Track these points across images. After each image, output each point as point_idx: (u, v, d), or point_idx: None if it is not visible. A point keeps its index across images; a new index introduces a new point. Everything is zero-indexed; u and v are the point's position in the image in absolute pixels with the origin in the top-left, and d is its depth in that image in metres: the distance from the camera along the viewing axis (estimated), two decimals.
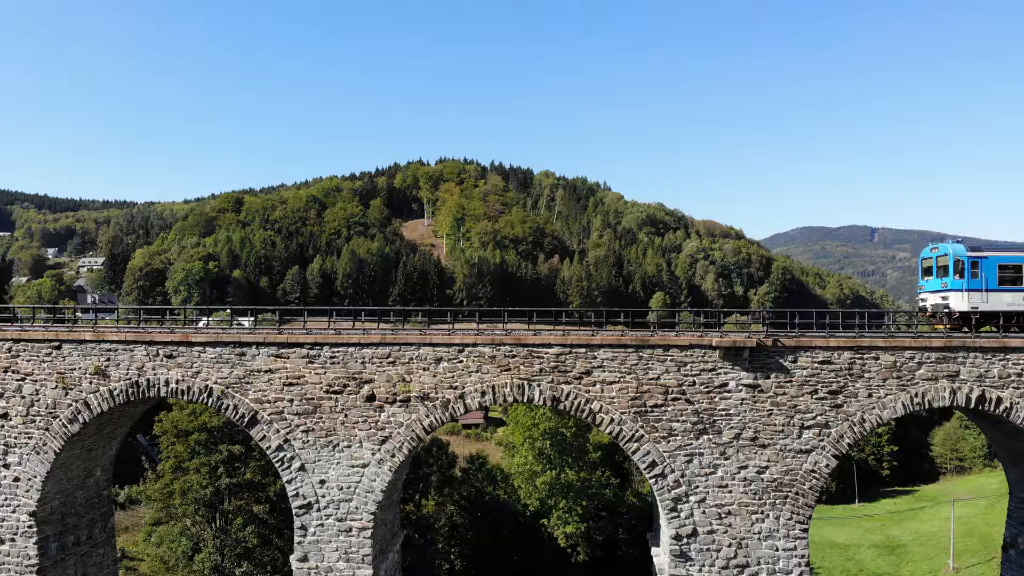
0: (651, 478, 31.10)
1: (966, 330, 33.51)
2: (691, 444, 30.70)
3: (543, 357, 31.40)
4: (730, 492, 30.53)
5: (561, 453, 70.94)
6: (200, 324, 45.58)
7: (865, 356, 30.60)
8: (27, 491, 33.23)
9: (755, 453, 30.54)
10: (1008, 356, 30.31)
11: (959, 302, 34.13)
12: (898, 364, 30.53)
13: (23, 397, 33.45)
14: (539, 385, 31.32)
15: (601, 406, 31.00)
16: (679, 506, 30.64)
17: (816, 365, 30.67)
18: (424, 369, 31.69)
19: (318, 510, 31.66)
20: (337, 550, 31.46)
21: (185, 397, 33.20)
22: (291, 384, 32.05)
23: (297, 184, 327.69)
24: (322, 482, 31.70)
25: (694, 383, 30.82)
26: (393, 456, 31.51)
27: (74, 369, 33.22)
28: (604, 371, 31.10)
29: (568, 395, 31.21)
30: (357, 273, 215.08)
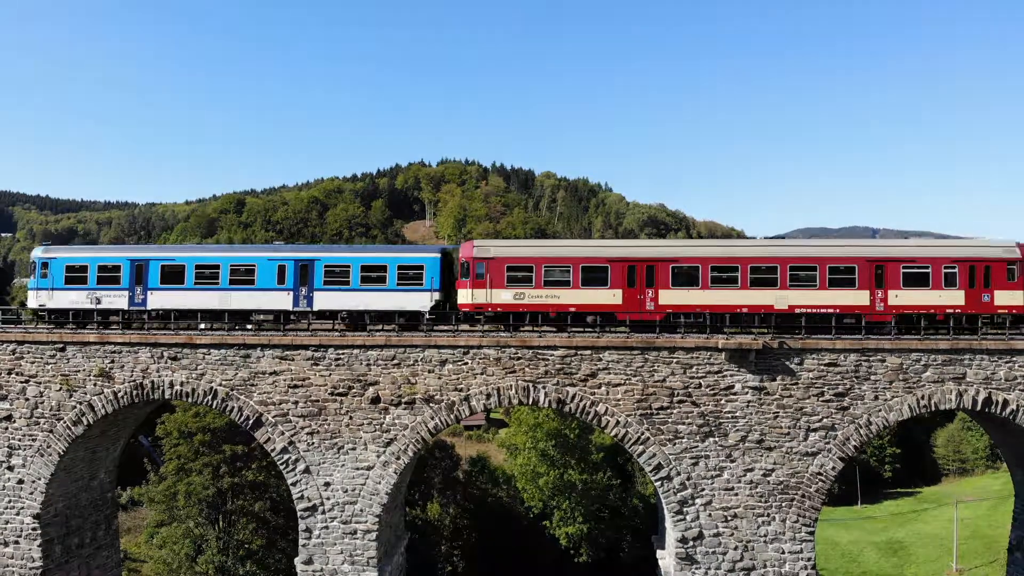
0: (657, 480, 31.02)
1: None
2: (697, 446, 30.62)
3: (548, 359, 31.34)
4: (736, 495, 30.45)
5: (564, 454, 70.88)
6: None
7: (871, 358, 30.53)
8: (31, 493, 33.19)
9: (761, 456, 30.46)
10: (1015, 358, 30.23)
11: (32, 300, 37.98)
12: (904, 366, 30.46)
13: (27, 399, 33.41)
14: (544, 387, 31.26)
15: (607, 408, 30.94)
16: (685, 509, 30.56)
17: (822, 367, 30.60)
18: (429, 371, 31.63)
19: (323, 512, 31.59)
20: (342, 553, 31.39)
21: (190, 399, 33.16)
22: (296, 386, 32.01)
23: (299, 185, 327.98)
24: (327, 484, 31.63)
25: (700, 385, 30.76)
26: (398, 458, 31.45)
27: (78, 371, 33.19)
28: (610, 373, 31.03)
29: (573, 397, 31.15)
30: None
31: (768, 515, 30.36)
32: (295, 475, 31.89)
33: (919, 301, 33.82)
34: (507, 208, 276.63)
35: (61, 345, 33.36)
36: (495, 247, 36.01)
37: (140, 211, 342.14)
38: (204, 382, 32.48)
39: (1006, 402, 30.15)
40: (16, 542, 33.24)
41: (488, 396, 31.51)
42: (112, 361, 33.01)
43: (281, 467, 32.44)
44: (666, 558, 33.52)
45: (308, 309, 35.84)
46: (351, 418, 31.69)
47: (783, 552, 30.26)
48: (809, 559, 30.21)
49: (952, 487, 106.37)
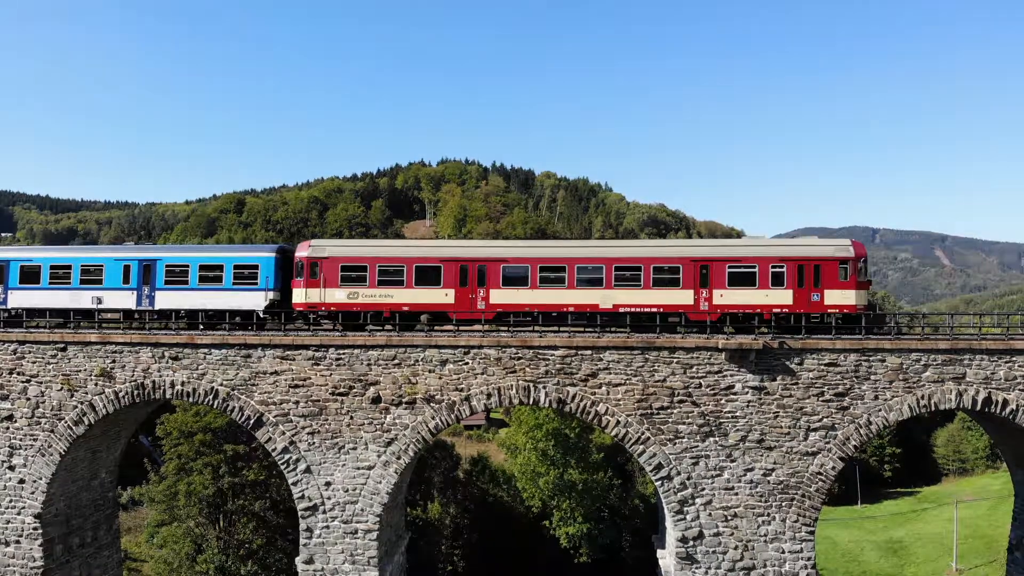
0: (657, 480, 31.08)
1: None
2: (697, 446, 30.68)
3: (549, 359, 31.39)
4: (736, 494, 30.51)
5: (564, 454, 70.91)
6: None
7: (871, 358, 30.58)
8: (32, 493, 33.24)
9: (761, 455, 30.52)
10: (1015, 358, 30.27)
11: None
12: (904, 366, 30.50)
13: (28, 399, 33.47)
14: (545, 387, 31.31)
15: (607, 408, 30.99)
16: (685, 508, 30.61)
17: (822, 367, 30.65)
18: (430, 371, 31.68)
19: (324, 512, 31.64)
20: (343, 552, 31.44)
21: (191, 399, 33.23)
22: (297, 386, 32.06)
23: (299, 185, 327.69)
24: (328, 484, 31.69)
25: (700, 385, 30.81)
26: (399, 458, 31.50)
27: (79, 371, 33.24)
28: (610, 373, 31.09)
29: (574, 397, 31.21)
30: None
31: (768, 515, 30.41)
32: (296, 475, 31.94)
33: (745, 300, 34.10)
34: (507, 208, 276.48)
35: (62, 345, 33.41)
36: (330, 247, 36.70)
37: (140, 211, 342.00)
38: (205, 382, 32.53)
39: (1006, 402, 30.20)
40: (17, 541, 33.30)
41: (489, 396, 31.56)
42: (113, 361, 33.06)
43: (282, 467, 32.49)
44: (666, 557, 33.59)
45: (150, 308, 36.71)
46: (352, 418, 31.74)
47: (783, 551, 30.31)
48: (809, 558, 30.26)
49: (952, 487, 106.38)
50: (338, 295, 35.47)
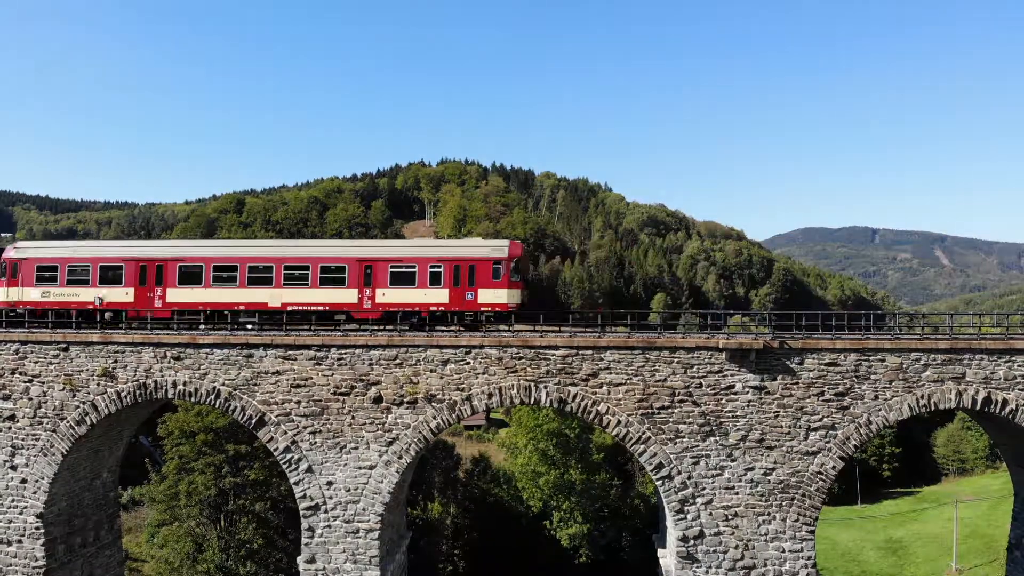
0: (658, 480, 31.16)
1: None
2: (698, 446, 30.76)
3: (550, 359, 31.47)
4: (737, 494, 30.59)
5: (564, 454, 70.96)
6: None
7: (871, 358, 30.66)
8: (34, 493, 33.30)
9: (762, 455, 30.60)
10: (1014, 358, 30.36)
11: None
12: (904, 366, 30.58)
13: (30, 399, 33.54)
14: (546, 387, 31.39)
15: (608, 408, 31.07)
16: (686, 508, 30.69)
17: (822, 367, 30.73)
18: (431, 371, 31.76)
19: (325, 511, 31.72)
20: (344, 551, 31.52)
21: (192, 399, 33.30)
22: (298, 386, 32.13)
23: (298, 185, 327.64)
24: (329, 483, 31.76)
25: (701, 385, 30.89)
26: (400, 458, 31.58)
27: (81, 371, 33.30)
28: (611, 373, 31.16)
29: (575, 397, 31.28)
30: None
31: (769, 514, 30.50)
32: (298, 474, 32.02)
33: (405, 299, 35.42)
34: (507, 208, 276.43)
35: (64, 345, 33.48)
36: (30, 248, 38.79)
37: (140, 211, 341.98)
38: (207, 382, 32.60)
39: (1005, 401, 30.29)
40: (20, 541, 33.36)
41: (490, 396, 31.64)
42: (115, 361, 33.13)
43: (284, 466, 32.57)
44: (667, 557, 33.68)
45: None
46: (353, 417, 31.82)
47: (784, 551, 30.40)
48: (809, 558, 30.35)
49: (952, 487, 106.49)
50: (33, 294, 37.52)
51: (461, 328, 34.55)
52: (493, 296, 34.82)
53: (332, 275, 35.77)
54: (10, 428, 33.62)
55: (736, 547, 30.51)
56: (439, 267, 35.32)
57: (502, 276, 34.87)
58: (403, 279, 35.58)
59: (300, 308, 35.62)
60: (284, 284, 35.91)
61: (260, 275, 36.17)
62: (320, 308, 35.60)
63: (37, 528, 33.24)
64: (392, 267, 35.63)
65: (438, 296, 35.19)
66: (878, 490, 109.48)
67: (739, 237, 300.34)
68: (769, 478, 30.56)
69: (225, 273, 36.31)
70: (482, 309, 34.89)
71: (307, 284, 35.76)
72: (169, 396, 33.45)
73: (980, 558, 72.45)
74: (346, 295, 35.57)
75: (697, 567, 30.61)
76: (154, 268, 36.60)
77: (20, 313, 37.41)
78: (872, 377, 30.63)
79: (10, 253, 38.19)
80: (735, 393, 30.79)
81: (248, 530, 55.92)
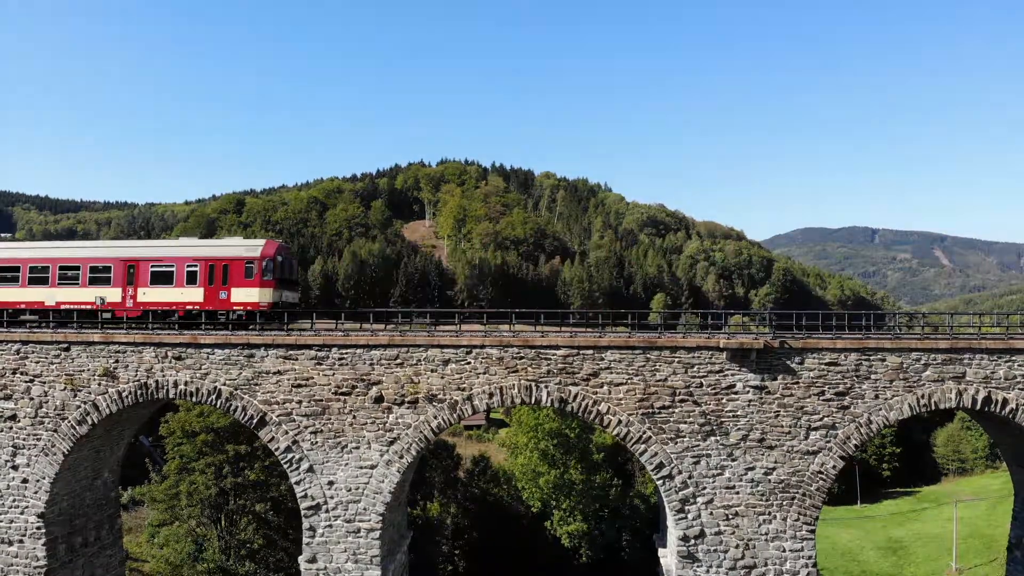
0: (658, 479, 31.21)
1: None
2: (698, 445, 30.80)
3: (551, 359, 31.51)
4: (737, 493, 30.63)
5: (564, 453, 71.00)
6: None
7: (872, 358, 30.71)
8: (35, 492, 33.33)
9: (762, 454, 30.65)
10: (1014, 357, 30.41)
11: None
12: (904, 365, 30.64)
13: (32, 399, 33.56)
14: (547, 387, 31.43)
15: (609, 408, 31.11)
16: (686, 507, 30.73)
17: (823, 367, 30.77)
18: (432, 371, 31.79)
19: (326, 511, 31.76)
20: (346, 551, 31.56)
21: (194, 399, 33.33)
22: (300, 386, 32.16)
23: (298, 185, 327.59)
24: (330, 483, 31.80)
25: (701, 384, 30.93)
26: (401, 457, 31.61)
27: (83, 371, 33.34)
28: (612, 373, 31.20)
29: (576, 397, 31.32)
30: (358, 274, 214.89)
31: (769, 513, 30.54)
32: (299, 474, 32.05)
33: (164, 298, 36.60)
34: (507, 208, 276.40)
35: (66, 345, 33.51)
36: None
37: (140, 211, 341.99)
38: (208, 382, 32.63)
39: (1005, 401, 30.34)
40: (21, 541, 33.39)
41: (491, 395, 31.68)
42: (116, 361, 33.17)
43: (285, 466, 32.60)
44: (668, 556, 33.72)
45: None
46: (355, 417, 31.86)
47: (784, 550, 30.45)
48: (810, 557, 30.39)
49: (952, 486, 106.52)
50: None
51: (210, 326, 35.35)
52: (245, 295, 35.99)
53: (100, 275, 37.40)
54: (11, 428, 33.65)
55: (737, 546, 30.55)
56: (195, 266, 36.52)
57: (255, 275, 35.93)
58: (163, 278, 36.92)
59: (71, 306, 37.34)
60: (59, 284, 37.70)
61: (39, 275, 37.96)
62: (88, 306, 37.21)
63: (38, 528, 33.27)
64: (153, 267, 37.07)
65: (194, 295, 36.40)
66: (878, 490, 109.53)
67: (739, 237, 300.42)
68: (770, 477, 30.60)
69: (9, 274, 38.24)
70: (235, 308, 35.95)
71: (78, 283, 37.51)
72: (170, 396, 33.48)
73: (980, 558, 72.50)
74: (112, 293, 37.18)
75: (698, 566, 30.66)
76: None
77: None
78: (872, 377, 30.67)
79: None
80: (736, 393, 30.83)
81: (249, 530, 55.97)
